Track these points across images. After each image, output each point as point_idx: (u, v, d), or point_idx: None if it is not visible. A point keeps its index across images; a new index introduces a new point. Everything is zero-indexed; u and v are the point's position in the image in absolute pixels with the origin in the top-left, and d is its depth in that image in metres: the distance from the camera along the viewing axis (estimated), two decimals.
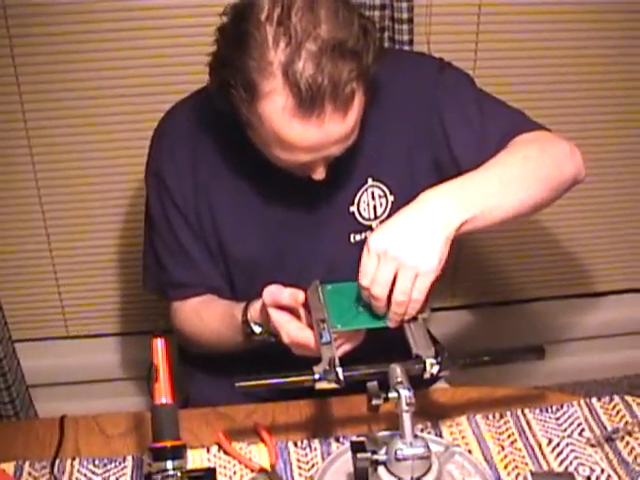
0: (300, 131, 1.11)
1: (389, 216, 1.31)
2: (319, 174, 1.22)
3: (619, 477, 1.14)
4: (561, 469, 1.16)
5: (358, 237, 1.35)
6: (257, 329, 1.26)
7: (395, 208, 1.33)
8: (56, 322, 2.20)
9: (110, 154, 1.98)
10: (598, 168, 2.21)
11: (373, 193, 1.34)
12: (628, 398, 1.27)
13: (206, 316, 1.38)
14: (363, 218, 1.34)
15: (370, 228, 1.35)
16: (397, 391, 1.02)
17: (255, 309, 1.25)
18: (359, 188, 1.33)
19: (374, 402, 1.02)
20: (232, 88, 1.11)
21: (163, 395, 1.06)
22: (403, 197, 1.32)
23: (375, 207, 1.34)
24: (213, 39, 1.16)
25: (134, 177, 1.95)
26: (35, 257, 2.09)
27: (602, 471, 1.15)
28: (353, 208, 1.34)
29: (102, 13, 1.82)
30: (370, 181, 1.33)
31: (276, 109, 1.09)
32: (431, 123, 1.31)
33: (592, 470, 1.15)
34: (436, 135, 1.31)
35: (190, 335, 1.42)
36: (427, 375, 1.10)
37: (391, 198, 1.34)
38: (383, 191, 1.34)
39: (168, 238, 1.37)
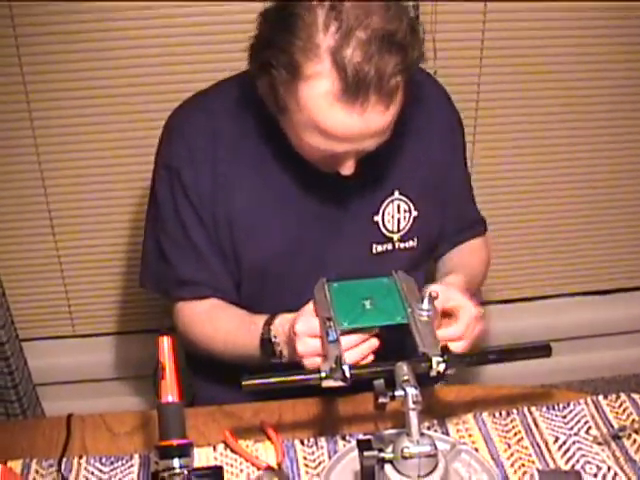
0: (341, 117, 1.09)
1: (410, 231, 1.35)
2: (348, 169, 1.21)
3: (626, 475, 1.13)
4: (568, 467, 1.16)
5: (380, 248, 1.35)
6: (274, 339, 1.25)
7: (417, 224, 1.35)
8: (63, 321, 2.20)
9: (117, 153, 1.99)
10: (603, 166, 2.21)
11: (399, 206, 1.34)
12: (635, 396, 1.27)
13: (218, 321, 1.36)
14: (387, 230, 1.34)
15: (391, 240, 1.35)
16: (404, 389, 1.02)
17: (286, 318, 1.23)
18: (384, 199, 1.33)
19: (381, 400, 1.02)
20: (273, 69, 1.10)
21: (169, 393, 1.06)
22: (424, 213, 1.36)
23: (399, 220, 1.34)
24: (255, 23, 1.14)
25: (141, 176, 1.95)
26: (42, 256, 2.10)
27: (609, 469, 1.15)
28: (377, 218, 1.33)
29: (109, 12, 1.82)
30: (396, 194, 1.33)
31: (318, 93, 1.08)
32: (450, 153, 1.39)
33: (599, 468, 1.15)
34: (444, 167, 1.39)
35: (196, 339, 1.40)
36: (433, 373, 1.10)
37: (415, 213, 1.35)
38: (408, 206, 1.34)
39: (177, 234, 1.34)
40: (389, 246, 1.35)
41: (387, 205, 1.33)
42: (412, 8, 1.79)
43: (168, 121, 1.36)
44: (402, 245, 1.36)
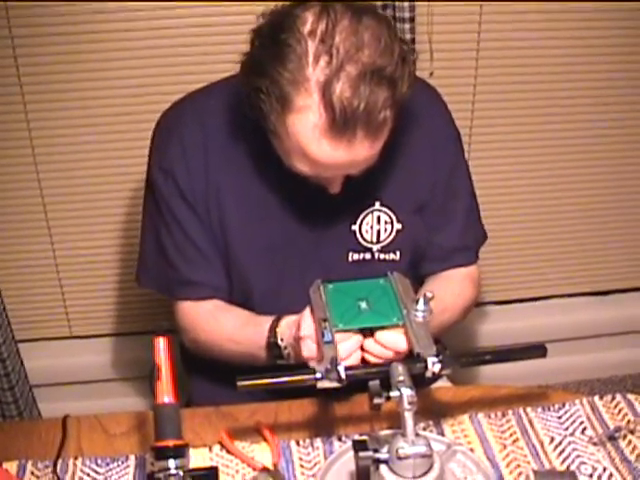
0: (327, 150, 1.10)
1: (392, 243, 1.34)
2: (335, 188, 1.23)
3: (621, 475, 1.14)
4: (563, 467, 1.16)
5: (356, 256, 1.35)
6: (281, 343, 1.25)
7: (400, 236, 1.35)
8: (59, 322, 2.20)
9: (113, 154, 1.99)
10: (599, 167, 2.21)
11: (379, 218, 1.34)
12: (630, 396, 1.27)
13: (223, 321, 1.36)
14: (364, 240, 1.34)
15: (370, 251, 1.35)
16: (399, 390, 1.03)
17: (290, 320, 1.24)
18: (364, 209, 1.33)
19: (376, 401, 1.03)
20: (264, 95, 1.10)
21: (165, 394, 1.06)
22: (409, 227, 1.35)
23: (379, 232, 1.34)
24: (247, 39, 1.14)
25: (137, 177, 1.95)
26: (38, 257, 2.10)
27: (604, 469, 1.15)
28: (355, 227, 1.34)
29: (104, 14, 1.82)
30: (377, 205, 1.33)
31: (307, 125, 1.08)
32: (441, 170, 1.37)
33: (594, 469, 1.15)
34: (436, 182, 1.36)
35: (200, 339, 1.40)
36: (429, 374, 1.10)
37: (398, 226, 1.35)
38: (390, 218, 1.34)
39: (178, 235, 1.34)
40: (367, 255, 1.35)
41: (366, 215, 1.33)
42: (409, 9, 1.79)
43: (162, 122, 1.36)
44: (383, 256, 1.36)
